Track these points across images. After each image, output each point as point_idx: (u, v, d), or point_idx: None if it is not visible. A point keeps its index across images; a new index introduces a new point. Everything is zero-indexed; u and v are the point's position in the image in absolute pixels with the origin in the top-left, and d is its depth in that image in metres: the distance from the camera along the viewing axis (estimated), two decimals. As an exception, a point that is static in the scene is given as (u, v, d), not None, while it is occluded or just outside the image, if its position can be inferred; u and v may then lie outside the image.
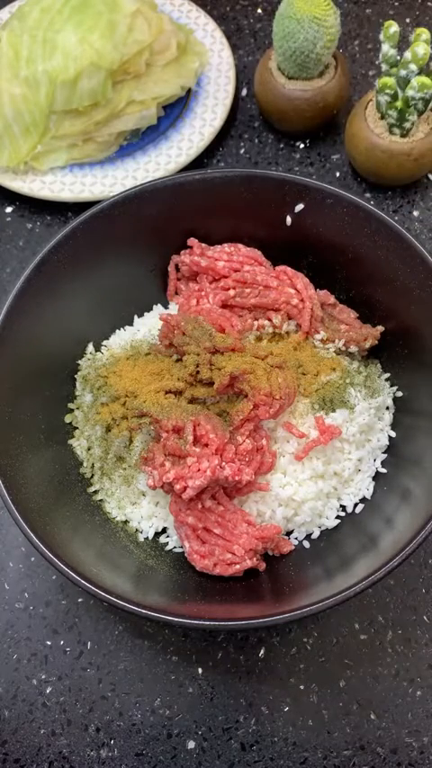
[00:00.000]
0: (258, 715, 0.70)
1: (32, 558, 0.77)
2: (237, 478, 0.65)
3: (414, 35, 0.81)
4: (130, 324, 0.82)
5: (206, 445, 0.66)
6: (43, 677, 0.72)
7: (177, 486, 0.65)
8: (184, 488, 0.65)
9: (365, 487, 0.73)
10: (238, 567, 0.67)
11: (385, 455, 0.75)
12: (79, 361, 0.78)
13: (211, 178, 0.76)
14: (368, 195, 0.95)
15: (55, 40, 0.87)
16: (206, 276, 0.78)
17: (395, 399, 0.77)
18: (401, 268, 0.72)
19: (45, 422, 0.73)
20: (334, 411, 0.72)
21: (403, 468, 0.72)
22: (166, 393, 0.70)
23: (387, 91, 0.82)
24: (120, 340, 0.80)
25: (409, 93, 0.81)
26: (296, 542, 0.72)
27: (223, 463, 0.66)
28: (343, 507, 0.73)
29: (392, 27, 0.81)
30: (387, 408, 0.76)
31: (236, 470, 0.66)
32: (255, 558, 0.68)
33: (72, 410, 0.76)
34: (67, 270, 0.74)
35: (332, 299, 0.78)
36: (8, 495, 0.63)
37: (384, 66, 0.84)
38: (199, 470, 0.64)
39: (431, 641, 0.72)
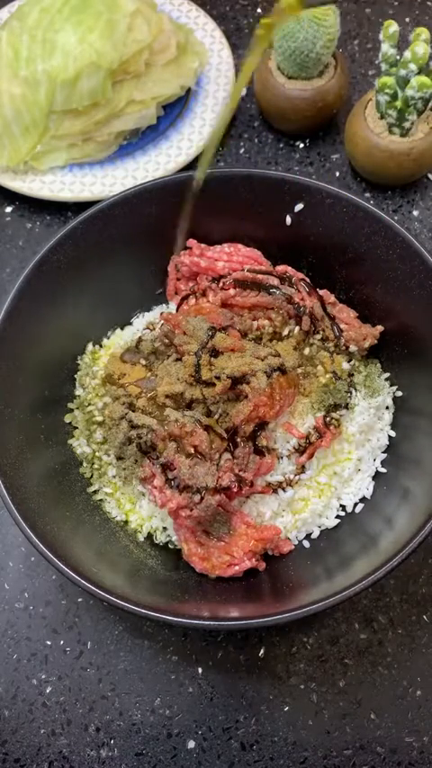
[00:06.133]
0: (258, 715, 0.70)
1: (32, 558, 0.77)
2: (234, 489, 0.66)
3: (414, 35, 0.81)
4: (130, 324, 0.82)
5: (203, 455, 0.66)
6: (43, 677, 0.72)
7: (183, 514, 0.65)
8: (189, 516, 0.65)
9: (365, 487, 0.73)
10: (237, 568, 0.67)
11: (385, 455, 0.75)
12: (79, 361, 0.78)
13: (211, 178, 0.75)
14: (368, 195, 0.95)
15: (55, 39, 0.87)
16: (206, 276, 0.78)
17: (395, 399, 0.77)
18: (401, 268, 0.72)
19: (45, 422, 0.73)
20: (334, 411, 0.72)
21: (403, 467, 0.72)
22: (166, 397, 0.70)
23: (387, 90, 0.82)
24: (120, 340, 0.80)
25: (409, 92, 0.81)
26: (296, 542, 0.72)
27: (221, 474, 0.66)
28: (343, 507, 0.73)
29: (392, 27, 0.81)
30: (387, 408, 0.76)
31: (233, 478, 0.66)
32: (254, 559, 0.68)
33: (72, 410, 0.76)
34: (66, 270, 0.74)
35: (332, 299, 0.78)
36: (8, 495, 0.63)
37: (384, 66, 0.84)
38: (202, 499, 0.65)
39: (431, 641, 0.72)
